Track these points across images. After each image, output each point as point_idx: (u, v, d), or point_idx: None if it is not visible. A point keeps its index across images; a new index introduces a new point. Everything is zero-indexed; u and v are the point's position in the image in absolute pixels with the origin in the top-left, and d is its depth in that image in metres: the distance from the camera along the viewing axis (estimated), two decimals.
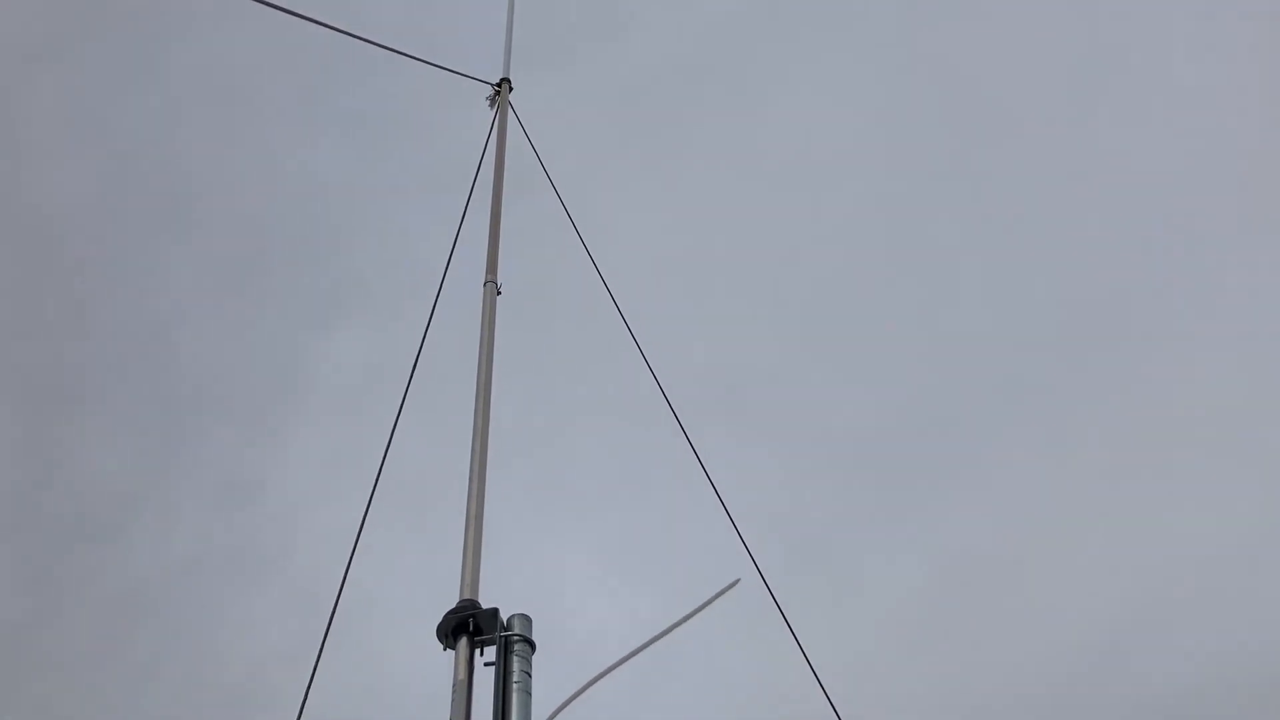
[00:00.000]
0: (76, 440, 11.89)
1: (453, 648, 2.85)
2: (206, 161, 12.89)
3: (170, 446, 11.72)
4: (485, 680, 2.80)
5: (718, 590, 2.85)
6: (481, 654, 2.81)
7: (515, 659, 2.76)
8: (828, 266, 12.67)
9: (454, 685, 2.75)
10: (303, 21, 4.26)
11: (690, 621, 2.85)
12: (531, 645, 2.80)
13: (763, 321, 12.33)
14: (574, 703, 2.74)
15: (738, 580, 2.91)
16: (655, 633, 2.82)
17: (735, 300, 12.41)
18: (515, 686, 2.69)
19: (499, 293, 3.92)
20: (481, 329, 3.89)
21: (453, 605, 2.94)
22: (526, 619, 2.85)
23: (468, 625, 2.85)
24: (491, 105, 5.02)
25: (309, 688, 2.93)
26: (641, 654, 2.81)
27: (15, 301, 12.01)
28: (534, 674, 2.77)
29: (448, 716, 2.68)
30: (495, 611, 2.85)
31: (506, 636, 2.81)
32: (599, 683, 2.79)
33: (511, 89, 5.07)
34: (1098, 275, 12.36)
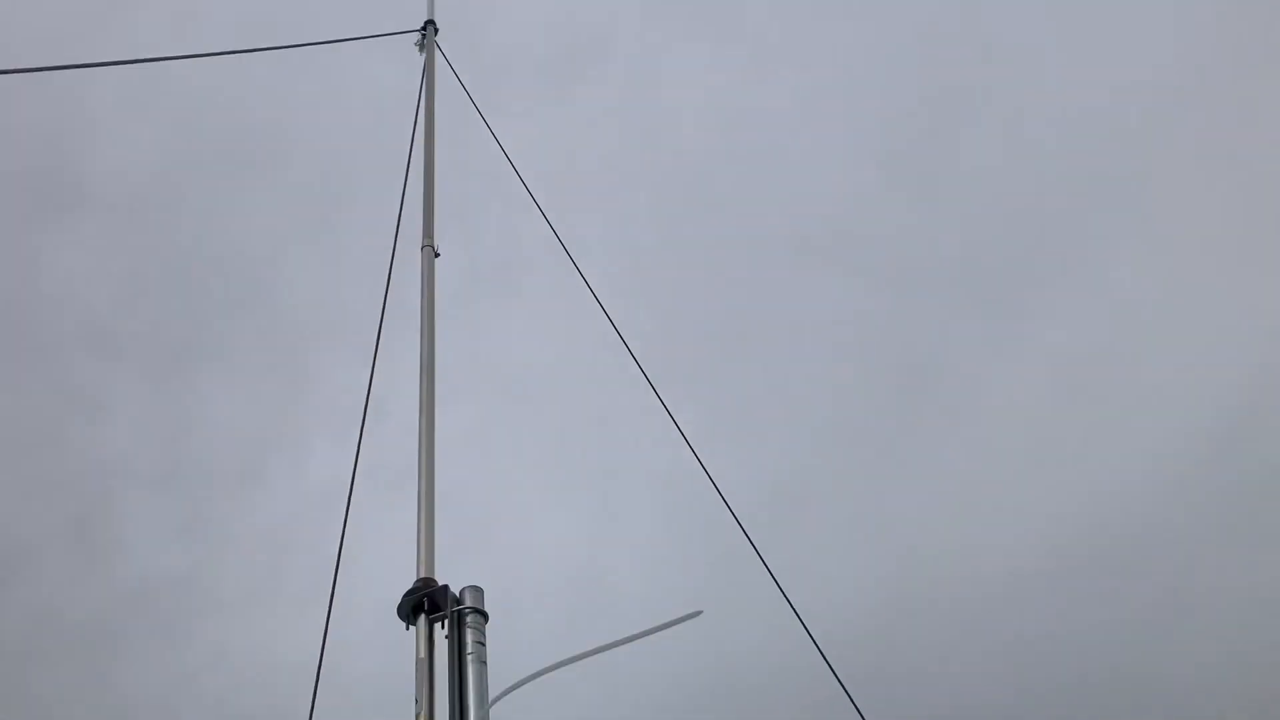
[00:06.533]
0: (202, 393, 11.94)
1: (414, 625, 2.94)
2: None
3: (291, 384, 11.65)
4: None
5: (678, 618, 2.88)
6: (443, 628, 2.89)
7: (468, 631, 2.87)
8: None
9: (416, 663, 2.85)
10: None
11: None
12: (484, 616, 2.90)
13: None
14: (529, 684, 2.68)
15: (699, 612, 2.91)
16: (614, 640, 2.85)
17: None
18: (470, 657, 2.81)
19: (436, 255, 3.72)
20: (422, 296, 3.64)
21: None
22: (478, 591, 2.93)
23: (423, 604, 2.94)
24: (421, 50, 4.72)
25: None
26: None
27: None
28: (508, 642, 2.85)
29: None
30: (445, 588, 2.94)
31: (459, 610, 2.91)
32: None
33: (437, 31, 4.73)
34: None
